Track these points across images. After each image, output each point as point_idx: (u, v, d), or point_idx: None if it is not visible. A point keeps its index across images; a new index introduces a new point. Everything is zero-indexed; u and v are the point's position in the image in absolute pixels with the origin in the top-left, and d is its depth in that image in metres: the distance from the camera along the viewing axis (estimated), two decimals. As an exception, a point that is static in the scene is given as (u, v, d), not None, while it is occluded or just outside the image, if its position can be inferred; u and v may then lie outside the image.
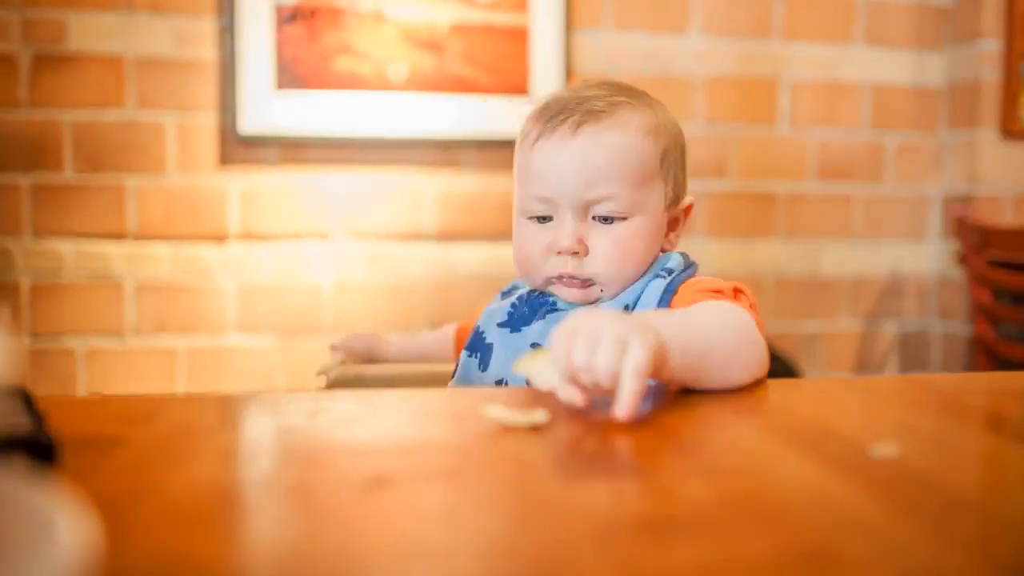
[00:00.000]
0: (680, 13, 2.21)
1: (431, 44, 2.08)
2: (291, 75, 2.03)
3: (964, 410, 0.62)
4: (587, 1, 2.15)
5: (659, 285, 0.84)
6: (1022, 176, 2.26)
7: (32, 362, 1.99)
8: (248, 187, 2.04)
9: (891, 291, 2.36)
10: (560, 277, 0.84)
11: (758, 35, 2.25)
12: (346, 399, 0.63)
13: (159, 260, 2.02)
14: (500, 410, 0.55)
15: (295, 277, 2.06)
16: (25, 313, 1.98)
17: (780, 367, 2.13)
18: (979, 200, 2.24)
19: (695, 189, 2.17)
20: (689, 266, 0.88)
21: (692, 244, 2.19)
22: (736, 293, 0.80)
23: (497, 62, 2.09)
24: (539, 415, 0.54)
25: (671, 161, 0.90)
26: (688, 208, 0.94)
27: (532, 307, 0.89)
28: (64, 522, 0.27)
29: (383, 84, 2.06)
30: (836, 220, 2.32)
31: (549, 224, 0.86)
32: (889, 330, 2.36)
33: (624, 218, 0.84)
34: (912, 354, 2.38)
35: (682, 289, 0.83)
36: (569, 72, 2.11)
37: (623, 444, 0.51)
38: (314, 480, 0.44)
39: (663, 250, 0.91)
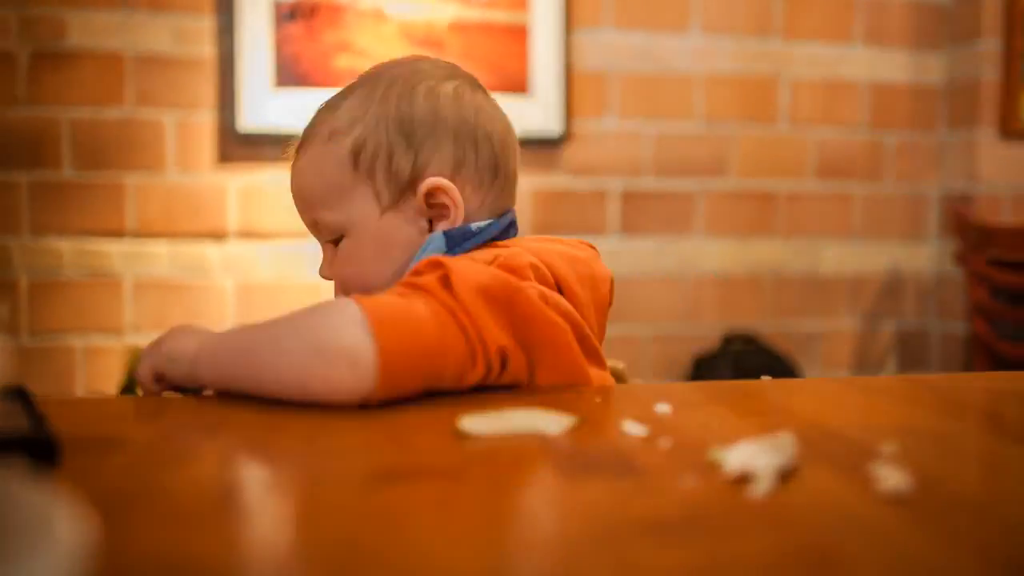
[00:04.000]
0: (680, 11, 2.21)
1: (430, 42, 2.08)
2: (290, 73, 2.03)
3: (964, 410, 0.62)
4: (587, -1, 2.15)
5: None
6: (1021, 175, 2.26)
7: (31, 360, 1.99)
8: (247, 185, 2.04)
9: (890, 290, 2.36)
10: None
11: (758, 34, 2.25)
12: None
13: (158, 258, 2.02)
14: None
15: (294, 275, 2.06)
16: (24, 311, 1.98)
17: (779, 366, 2.13)
18: (978, 199, 2.24)
19: (695, 189, 2.17)
20: (458, 244, 0.75)
21: (692, 243, 2.19)
22: (434, 267, 0.63)
23: (496, 60, 2.09)
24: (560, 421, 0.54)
25: (373, 155, 0.77)
26: (438, 190, 0.76)
27: None
28: (64, 522, 0.27)
29: (382, 82, 2.06)
30: (835, 219, 2.32)
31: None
32: (888, 329, 2.36)
33: (341, 238, 0.80)
34: (911, 353, 2.38)
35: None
36: (569, 70, 2.11)
37: (623, 444, 0.51)
38: (314, 480, 0.44)
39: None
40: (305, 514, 0.39)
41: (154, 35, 2.00)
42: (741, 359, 2.14)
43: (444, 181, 0.76)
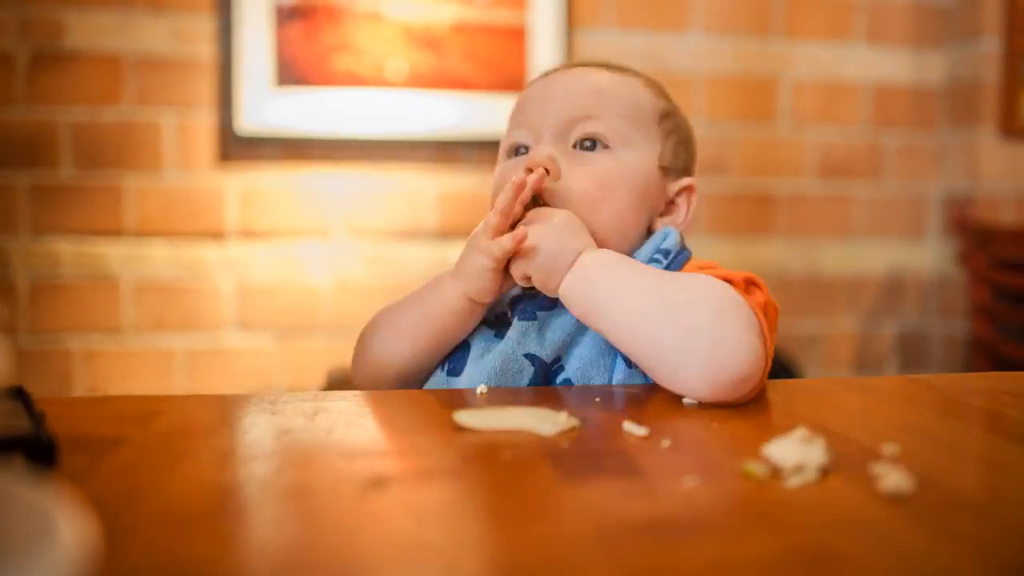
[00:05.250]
0: (680, 12, 2.21)
1: (431, 42, 2.08)
2: (290, 73, 2.02)
3: (964, 410, 0.62)
4: None
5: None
6: (1022, 175, 2.26)
7: (29, 361, 1.99)
8: (246, 186, 2.04)
9: (891, 290, 2.36)
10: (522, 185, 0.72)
11: (758, 34, 2.25)
12: (346, 399, 0.63)
13: (157, 259, 2.02)
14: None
15: (294, 276, 2.06)
16: (23, 312, 1.98)
17: (777, 366, 2.13)
18: (979, 199, 2.24)
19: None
20: (684, 249, 0.79)
21: (692, 243, 2.19)
22: (748, 286, 0.69)
23: (497, 61, 2.09)
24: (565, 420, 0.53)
25: (673, 128, 0.82)
26: (689, 190, 0.82)
27: (507, 310, 0.77)
28: (64, 522, 0.27)
29: (382, 83, 2.06)
30: (836, 219, 2.32)
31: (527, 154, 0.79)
32: (888, 330, 2.36)
33: (608, 148, 0.76)
34: (912, 353, 2.38)
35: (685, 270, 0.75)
36: (568, 71, 2.11)
37: (623, 444, 0.51)
38: (313, 480, 0.44)
39: (652, 230, 0.80)
40: (304, 514, 0.39)
41: (153, 36, 2.00)
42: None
43: (697, 185, 0.83)
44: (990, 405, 0.64)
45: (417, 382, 0.78)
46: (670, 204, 0.82)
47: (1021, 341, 1.99)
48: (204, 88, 2.02)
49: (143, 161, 2.01)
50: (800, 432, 0.48)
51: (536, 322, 0.73)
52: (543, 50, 2.10)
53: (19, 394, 0.53)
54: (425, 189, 2.10)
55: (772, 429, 0.54)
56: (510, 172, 0.76)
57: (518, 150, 0.80)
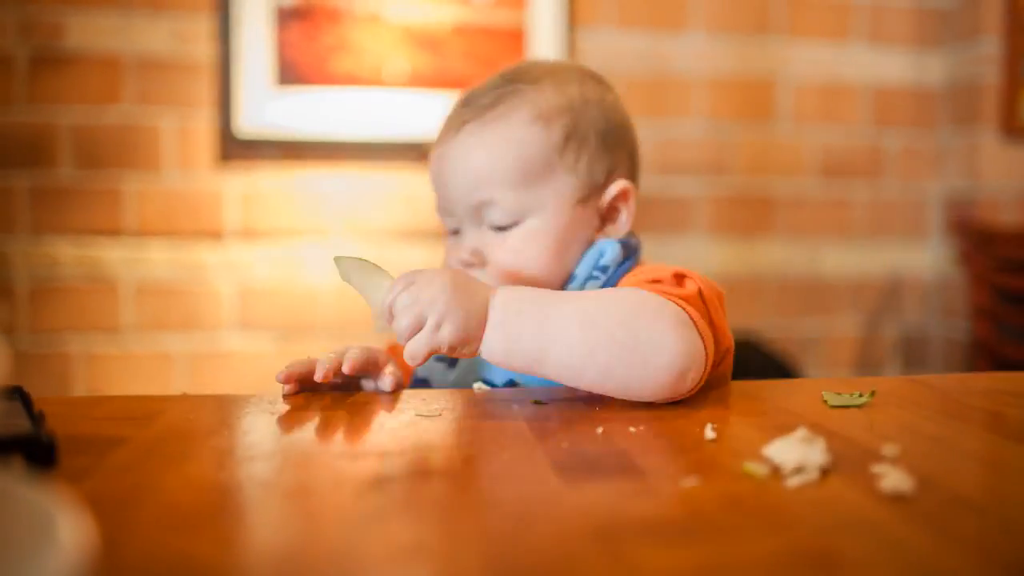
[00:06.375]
0: (680, 12, 2.21)
1: (431, 43, 2.08)
2: (289, 74, 2.03)
3: (965, 410, 0.62)
4: (587, 0, 2.15)
5: (594, 288, 0.75)
6: (1022, 175, 2.26)
7: (29, 362, 1.99)
8: (246, 187, 2.04)
9: (891, 291, 2.36)
10: None
11: (758, 34, 2.25)
12: (346, 399, 0.63)
13: (156, 260, 2.02)
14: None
15: (293, 277, 2.06)
16: (22, 313, 1.98)
17: (776, 367, 2.13)
18: (979, 200, 2.24)
19: (695, 189, 2.17)
20: (629, 256, 0.78)
21: (692, 244, 2.19)
22: (679, 279, 0.70)
23: (497, 61, 2.09)
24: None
25: (579, 145, 0.78)
26: (624, 194, 0.80)
27: None
28: (63, 522, 0.27)
29: (382, 83, 2.06)
30: (836, 220, 2.32)
31: (456, 238, 0.80)
32: (889, 330, 2.36)
33: (516, 223, 0.76)
34: (912, 354, 2.38)
35: (621, 284, 0.74)
36: (569, 72, 2.11)
37: (623, 444, 0.51)
38: (313, 480, 0.44)
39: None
40: (304, 514, 0.39)
41: (153, 37, 2.00)
42: (742, 361, 2.14)
43: (631, 187, 0.80)
44: (991, 405, 0.64)
45: None
46: (609, 213, 0.81)
47: (1021, 342, 1.99)
48: (204, 89, 2.02)
49: (143, 162, 2.01)
50: (801, 432, 0.48)
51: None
52: (543, 51, 2.10)
53: (18, 394, 0.53)
54: (425, 190, 2.09)
55: (772, 429, 0.54)
56: (448, 257, 0.81)
57: (452, 232, 0.82)
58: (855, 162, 2.32)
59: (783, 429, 0.53)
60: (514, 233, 0.76)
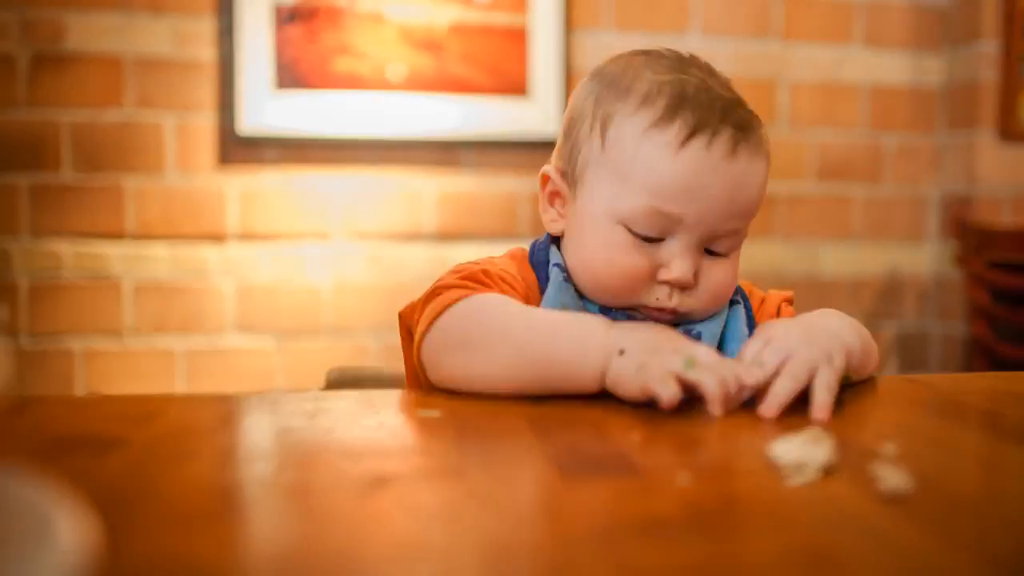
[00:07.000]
0: (679, 13, 2.21)
1: (430, 44, 2.08)
2: (290, 75, 2.03)
3: (963, 410, 0.62)
4: (586, 1, 2.16)
5: (739, 312, 0.79)
6: (1021, 177, 2.26)
7: (30, 363, 1.99)
8: (247, 187, 2.04)
9: (890, 292, 2.36)
10: (660, 310, 0.72)
11: (757, 35, 2.25)
12: (346, 399, 0.63)
13: (157, 260, 2.02)
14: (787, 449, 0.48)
15: (294, 277, 2.06)
16: (23, 313, 1.98)
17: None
18: (978, 201, 2.24)
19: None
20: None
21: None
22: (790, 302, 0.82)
23: (496, 62, 2.09)
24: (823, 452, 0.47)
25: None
26: None
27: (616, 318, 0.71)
28: (63, 522, 0.27)
29: (382, 84, 2.06)
30: (835, 221, 2.32)
31: (656, 246, 0.71)
32: (888, 331, 2.36)
33: (731, 252, 0.75)
34: (910, 355, 2.38)
35: (763, 307, 0.83)
36: (568, 72, 2.11)
37: (623, 444, 0.51)
38: (314, 480, 0.44)
39: None
40: (304, 514, 0.39)
41: (154, 37, 2.00)
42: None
43: None
44: (989, 405, 0.64)
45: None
46: None
47: (1019, 342, 1.99)
48: (205, 90, 2.03)
49: (144, 163, 2.01)
50: (811, 432, 0.47)
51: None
52: (542, 52, 2.11)
53: None
54: (425, 191, 2.10)
55: (772, 429, 0.54)
56: (635, 262, 0.71)
57: (654, 228, 0.71)
58: (854, 163, 2.32)
59: (783, 429, 0.54)
60: (729, 261, 0.75)
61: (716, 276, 0.73)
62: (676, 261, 0.70)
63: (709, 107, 0.70)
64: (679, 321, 0.75)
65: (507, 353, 0.62)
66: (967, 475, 0.47)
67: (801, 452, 0.45)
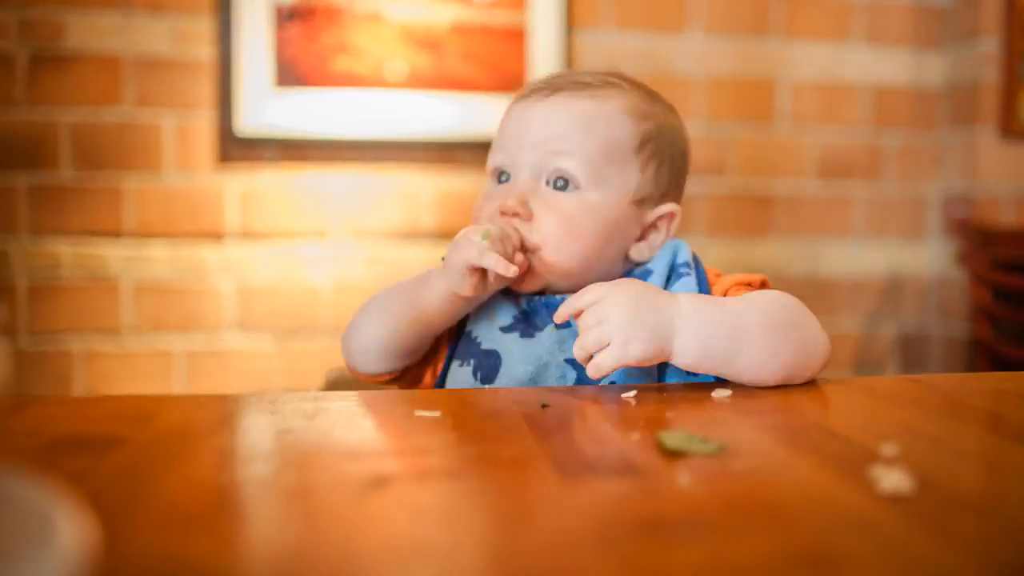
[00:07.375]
0: (679, 13, 2.21)
1: (430, 43, 2.08)
2: (289, 74, 2.02)
3: (964, 410, 0.62)
4: (586, 0, 2.15)
5: (689, 284, 0.79)
6: (1021, 175, 2.26)
7: (29, 362, 1.99)
8: (246, 187, 2.04)
9: (891, 291, 2.36)
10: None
11: (757, 34, 2.25)
12: (346, 399, 0.63)
13: (157, 260, 2.02)
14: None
15: (293, 277, 2.06)
16: (22, 313, 1.98)
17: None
18: (979, 199, 2.24)
19: (695, 190, 2.17)
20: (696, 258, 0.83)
21: (692, 244, 2.19)
22: (763, 286, 0.80)
23: (496, 61, 2.09)
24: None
25: (654, 153, 0.82)
26: (670, 216, 0.84)
27: (534, 308, 0.80)
28: (63, 522, 0.27)
29: (382, 83, 2.06)
30: (836, 220, 2.32)
31: (504, 185, 0.82)
32: (888, 330, 2.36)
33: (578, 188, 0.78)
34: (912, 354, 2.38)
35: (715, 288, 0.80)
36: (568, 72, 2.12)
37: (623, 444, 0.51)
38: (313, 481, 0.44)
39: (630, 258, 0.83)
40: (304, 515, 0.39)
41: (153, 37, 2.00)
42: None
43: (678, 213, 0.85)
44: (990, 405, 0.64)
45: (397, 359, 0.84)
46: (649, 229, 0.84)
47: (1020, 341, 1.99)
48: (204, 89, 2.02)
49: (143, 162, 2.01)
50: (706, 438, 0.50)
51: (572, 328, 0.75)
52: (542, 51, 2.10)
53: None
54: (424, 190, 2.10)
55: (772, 429, 0.54)
56: (491, 201, 0.82)
57: (500, 176, 0.84)
58: (854, 162, 2.32)
59: (783, 429, 0.54)
60: (571, 197, 0.79)
61: (550, 211, 0.78)
62: (507, 191, 0.80)
63: (549, 76, 0.83)
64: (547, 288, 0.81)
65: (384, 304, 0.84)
66: (968, 476, 0.47)
67: (682, 444, 0.48)
